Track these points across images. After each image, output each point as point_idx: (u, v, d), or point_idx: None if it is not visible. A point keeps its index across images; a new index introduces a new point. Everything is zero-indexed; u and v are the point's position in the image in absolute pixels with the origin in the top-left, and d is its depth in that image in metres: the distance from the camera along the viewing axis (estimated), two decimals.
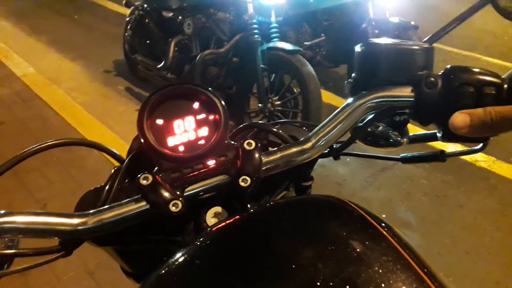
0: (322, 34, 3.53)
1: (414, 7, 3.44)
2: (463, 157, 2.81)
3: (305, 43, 3.39)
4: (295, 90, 2.70)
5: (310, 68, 2.53)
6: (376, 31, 3.17)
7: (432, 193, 2.53)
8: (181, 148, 0.53)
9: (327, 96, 3.41)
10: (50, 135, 2.96)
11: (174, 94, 0.54)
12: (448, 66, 0.52)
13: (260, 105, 2.70)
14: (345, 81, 0.58)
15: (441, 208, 2.42)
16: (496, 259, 2.08)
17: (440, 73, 0.52)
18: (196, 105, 0.55)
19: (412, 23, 3.11)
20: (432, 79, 0.51)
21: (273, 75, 2.74)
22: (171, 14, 3.13)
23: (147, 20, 3.35)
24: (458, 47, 4.46)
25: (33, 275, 1.87)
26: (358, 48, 0.56)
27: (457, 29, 0.63)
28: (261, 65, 2.60)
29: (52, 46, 4.62)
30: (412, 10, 3.54)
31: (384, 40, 0.55)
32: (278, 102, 2.73)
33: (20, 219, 0.46)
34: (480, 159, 2.80)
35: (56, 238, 0.49)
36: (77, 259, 1.96)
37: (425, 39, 0.60)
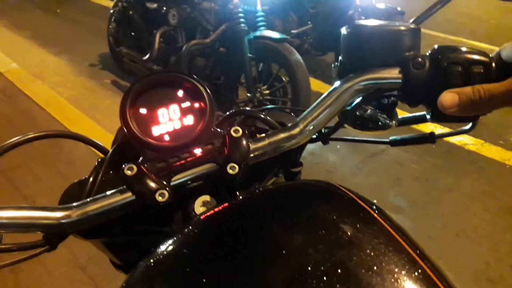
0: (309, 22, 3.51)
1: None
2: (452, 140, 2.83)
3: (292, 31, 3.37)
4: (283, 79, 2.68)
5: (298, 56, 2.52)
6: (363, 18, 3.16)
7: (422, 177, 2.55)
8: (166, 137, 0.52)
9: (316, 85, 3.40)
10: (36, 131, 2.91)
11: (157, 83, 0.53)
12: (436, 46, 0.52)
13: (248, 94, 2.68)
14: (332, 65, 0.57)
15: (431, 192, 2.44)
16: (485, 240, 2.11)
17: (427, 54, 0.52)
18: (180, 93, 0.53)
19: (399, 8, 3.11)
20: (420, 59, 0.51)
21: (261, 64, 2.73)
22: (155, 5, 3.08)
23: (131, 12, 3.30)
24: (444, 31, 4.47)
25: (24, 270, 1.86)
26: (344, 30, 0.55)
27: (442, 13, 0.63)
28: (249, 55, 2.58)
29: (35, 41, 4.53)
30: None
31: (370, 22, 0.54)
32: (267, 91, 2.71)
33: (2, 214, 0.44)
34: (469, 142, 2.83)
35: (39, 232, 0.48)
36: (69, 254, 1.95)
37: (411, 20, 0.59)
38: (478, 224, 2.21)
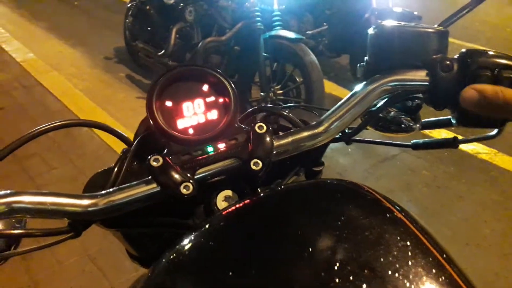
0: (325, 23, 3.50)
1: None
2: (465, 148, 2.80)
3: (307, 32, 3.36)
4: (297, 79, 2.68)
5: (313, 57, 2.51)
6: (379, 21, 3.14)
7: (433, 184, 2.53)
8: (191, 131, 0.52)
9: (329, 86, 3.40)
10: (50, 121, 2.91)
11: (183, 76, 0.53)
12: (464, 50, 0.51)
13: (262, 94, 2.68)
14: (357, 65, 0.57)
15: (442, 199, 2.42)
16: (495, 250, 2.08)
17: (455, 57, 0.51)
18: (205, 87, 0.54)
19: (416, 13, 3.09)
20: (448, 62, 0.50)
21: (275, 63, 2.72)
22: (172, 1, 3.10)
23: (148, 7, 3.32)
24: (461, 38, 4.43)
25: (34, 259, 1.88)
26: (371, 30, 0.55)
27: (460, 20, 0.62)
28: (263, 54, 2.58)
29: (52, 32, 4.58)
30: (416, 1, 3.52)
31: (397, 23, 0.54)
32: (280, 92, 2.71)
33: (30, 199, 0.45)
34: (482, 151, 2.80)
35: (65, 219, 0.49)
36: (79, 245, 1.97)
37: (439, 23, 0.58)
38: (488, 233, 2.19)
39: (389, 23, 0.54)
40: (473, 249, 2.09)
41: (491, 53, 0.49)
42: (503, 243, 2.13)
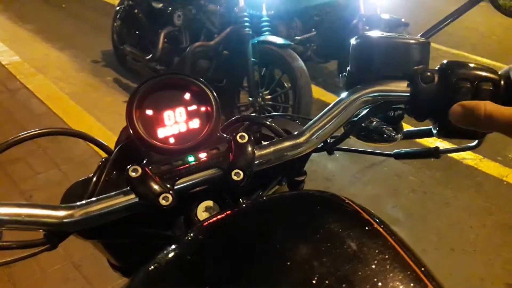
0: (313, 29, 3.52)
1: (404, 4, 3.46)
2: (451, 154, 2.83)
3: (296, 37, 3.38)
4: (285, 85, 2.69)
5: (301, 63, 2.52)
6: (367, 27, 3.17)
7: (420, 190, 2.55)
8: (172, 140, 0.52)
9: (317, 92, 3.41)
10: (36, 125, 2.90)
11: (165, 85, 0.53)
12: (445, 61, 0.51)
13: (250, 99, 2.68)
14: (340, 75, 0.57)
15: (428, 205, 2.44)
16: (481, 256, 2.10)
17: (436, 68, 0.52)
18: (187, 96, 0.53)
19: (403, 20, 3.12)
20: (429, 74, 0.51)
21: (264, 69, 2.73)
22: (161, 5, 3.09)
23: (136, 11, 3.30)
24: (446, 45, 4.49)
25: (17, 267, 1.84)
26: (353, 40, 0.55)
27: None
28: (252, 59, 2.59)
29: (38, 35, 4.53)
30: (403, 7, 3.55)
31: (379, 34, 0.54)
32: (269, 97, 2.72)
33: (3, 211, 0.44)
34: (468, 157, 2.83)
35: (41, 230, 0.48)
36: (63, 252, 1.94)
37: (421, 34, 0.59)
38: (473, 239, 2.21)
39: (372, 33, 0.54)
40: (458, 255, 2.10)
41: (471, 65, 0.50)
42: (488, 248, 2.15)
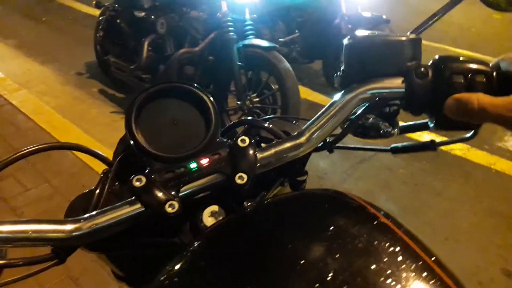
0: (296, 31, 3.55)
1: (384, 1, 3.51)
2: None
3: (280, 39, 3.40)
4: (273, 87, 2.70)
5: (287, 64, 2.54)
6: (349, 26, 3.21)
7: (411, 182, 2.59)
8: (172, 148, 0.52)
9: (304, 92, 3.43)
10: (23, 141, 2.87)
11: (162, 93, 0.53)
12: (437, 56, 0.53)
13: (238, 102, 2.69)
14: (334, 74, 0.58)
15: (420, 197, 2.48)
16: (474, 244, 2.14)
17: (429, 63, 0.53)
18: (185, 103, 0.54)
19: (384, 17, 3.16)
20: (423, 69, 0.52)
21: (250, 72, 2.74)
22: (143, 14, 3.08)
23: (118, 21, 3.29)
24: (427, 39, 4.54)
25: (14, 283, 1.81)
26: (346, 40, 0.56)
27: (419, 20, 0.64)
28: (238, 63, 2.59)
29: (20, 49, 4.48)
30: (383, 5, 3.60)
31: (371, 32, 0.55)
32: (257, 99, 2.73)
33: (9, 228, 0.44)
34: (455, 147, 2.88)
35: (48, 246, 0.48)
36: (61, 266, 1.91)
37: (410, 31, 0.60)
38: (466, 227, 2.25)
39: (363, 33, 0.55)
40: (452, 244, 2.13)
41: (463, 58, 0.51)
42: (481, 236, 2.19)
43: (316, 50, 3.51)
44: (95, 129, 3.04)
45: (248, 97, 2.70)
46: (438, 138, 0.64)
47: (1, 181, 2.44)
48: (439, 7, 0.63)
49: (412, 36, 0.54)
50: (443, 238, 2.17)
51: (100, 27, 3.48)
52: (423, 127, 0.59)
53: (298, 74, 2.61)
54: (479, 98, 0.45)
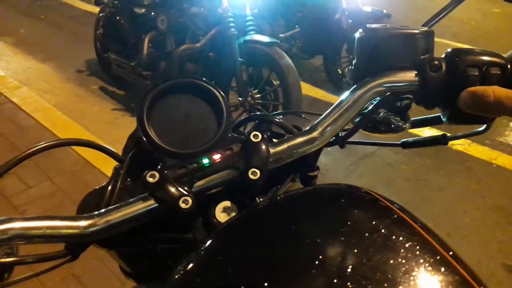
0: (297, 26, 3.54)
1: None
2: None
3: (280, 35, 3.40)
4: (274, 83, 2.69)
5: (288, 60, 2.53)
6: (350, 21, 3.20)
7: (413, 178, 2.59)
8: (184, 144, 0.52)
9: (305, 87, 3.42)
10: (25, 138, 2.86)
11: (173, 88, 0.53)
12: (450, 49, 0.53)
13: (240, 98, 2.69)
14: (346, 69, 0.58)
15: (422, 192, 2.48)
16: (476, 239, 2.14)
17: (443, 56, 0.53)
18: (196, 99, 0.53)
19: (385, 11, 3.15)
20: (436, 62, 0.51)
21: (251, 68, 2.73)
22: (143, 10, 3.07)
23: (118, 18, 3.27)
24: None
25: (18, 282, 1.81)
26: (358, 34, 0.56)
27: (425, 16, 0.64)
28: (239, 59, 2.59)
29: (19, 47, 4.46)
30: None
31: (383, 25, 0.55)
32: (258, 95, 2.72)
33: (24, 225, 0.44)
34: (456, 142, 2.88)
35: (62, 242, 0.47)
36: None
37: (423, 23, 0.60)
38: (468, 222, 2.25)
39: (376, 26, 0.54)
40: (455, 239, 2.14)
41: (477, 51, 0.51)
42: (483, 231, 2.19)
43: (317, 45, 3.51)
44: (96, 126, 3.04)
45: (250, 93, 2.70)
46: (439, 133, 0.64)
47: (3, 179, 2.43)
48: (438, 2, 0.62)
49: (425, 29, 0.54)
50: (445, 234, 2.17)
51: (100, 24, 3.47)
52: (435, 121, 0.59)
53: (299, 70, 2.61)
54: (495, 91, 0.45)
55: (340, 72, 3.31)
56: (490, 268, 1.99)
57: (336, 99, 0.55)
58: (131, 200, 0.49)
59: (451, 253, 0.38)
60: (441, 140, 0.61)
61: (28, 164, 2.53)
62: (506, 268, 1.98)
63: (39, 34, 4.88)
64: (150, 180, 0.48)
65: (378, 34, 0.54)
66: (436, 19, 0.60)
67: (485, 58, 0.50)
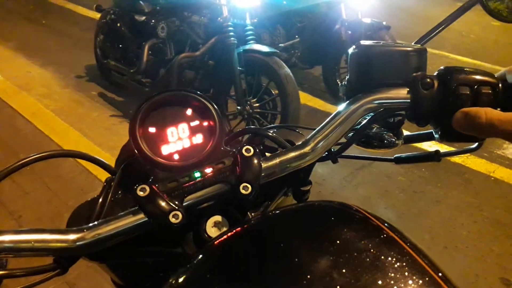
0: (296, 36, 3.55)
1: (385, 8, 3.52)
2: None
3: (280, 45, 3.40)
4: (273, 92, 2.70)
5: (287, 69, 2.54)
6: (349, 32, 3.21)
7: (410, 190, 2.58)
8: (176, 157, 0.52)
9: (304, 97, 3.43)
10: (22, 144, 2.86)
11: (166, 101, 0.53)
12: (443, 67, 0.53)
13: (238, 107, 2.69)
14: (339, 84, 0.58)
15: (418, 204, 2.47)
16: (473, 252, 2.13)
17: (435, 74, 0.53)
18: (189, 111, 0.53)
19: (384, 23, 3.17)
20: (428, 80, 0.52)
21: (250, 77, 2.74)
22: (143, 18, 3.08)
23: (119, 24, 3.29)
24: (427, 45, 4.56)
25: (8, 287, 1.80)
26: (351, 50, 0.56)
27: (425, 28, 0.64)
28: (238, 68, 2.60)
29: (20, 52, 4.47)
30: (384, 11, 3.61)
31: (376, 42, 0.55)
32: (257, 104, 2.72)
33: (12, 238, 0.43)
34: None
35: (51, 256, 0.47)
36: None
37: (416, 40, 0.60)
38: (465, 236, 2.24)
39: (369, 42, 0.55)
40: (451, 252, 2.13)
41: (469, 69, 0.51)
42: (480, 244, 2.18)
43: (316, 55, 3.52)
44: (94, 132, 3.03)
45: (248, 102, 2.70)
46: (436, 148, 0.64)
47: None
48: (438, 14, 0.62)
49: (418, 46, 0.54)
50: (442, 247, 2.16)
51: (100, 31, 3.48)
52: (428, 138, 0.59)
53: (298, 79, 2.62)
54: (487, 113, 0.45)
55: (339, 82, 3.33)
56: (487, 282, 1.97)
57: (335, 109, 0.55)
58: (121, 214, 0.49)
59: (440, 274, 0.37)
60: (434, 157, 0.61)
61: (24, 170, 2.50)
62: (504, 282, 1.97)
63: (40, 39, 4.89)
64: (141, 194, 0.48)
65: (371, 50, 0.54)
66: (431, 35, 0.60)
67: (477, 77, 0.50)
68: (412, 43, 0.58)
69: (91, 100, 3.54)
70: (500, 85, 0.50)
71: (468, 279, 1.97)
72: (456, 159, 2.84)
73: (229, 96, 2.86)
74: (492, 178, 2.69)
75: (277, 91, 2.62)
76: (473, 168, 2.77)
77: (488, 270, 2.03)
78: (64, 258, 0.48)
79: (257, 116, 2.73)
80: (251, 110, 2.70)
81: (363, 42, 0.55)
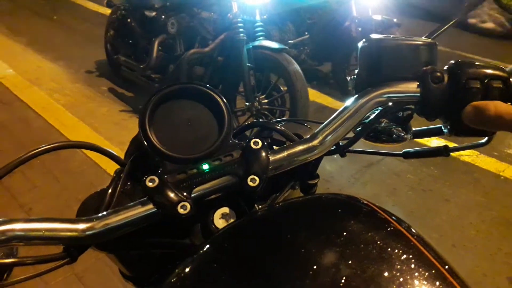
0: (306, 33, 3.54)
1: (395, 5, 3.49)
2: None
3: (289, 41, 3.40)
4: (282, 89, 2.70)
5: (296, 66, 2.53)
6: (359, 29, 3.20)
7: (418, 188, 2.57)
8: (185, 149, 0.52)
9: (312, 94, 3.42)
10: (32, 137, 2.89)
11: (176, 94, 0.53)
12: (453, 61, 0.52)
13: (247, 104, 2.69)
14: (348, 78, 0.58)
15: (427, 202, 2.46)
16: (482, 251, 2.12)
17: (445, 68, 0.52)
18: (198, 104, 0.54)
19: (395, 20, 3.15)
20: (438, 74, 0.51)
21: (259, 73, 2.74)
22: (154, 14, 3.09)
23: (129, 20, 3.31)
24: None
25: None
26: (361, 44, 0.56)
27: (434, 25, 0.64)
28: (247, 64, 2.60)
29: (31, 47, 4.51)
30: (394, 8, 3.59)
31: (386, 36, 0.55)
32: (265, 101, 2.72)
33: (23, 226, 0.44)
34: (464, 153, 2.85)
35: (61, 245, 0.48)
36: None
37: (426, 34, 0.60)
38: (474, 235, 2.22)
39: (379, 36, 0.54)
40: (459, 251, 2.11)
41: (479, 63, 0.50)
42: (489, 244, 2.16)
43: (326, 52, 3.51)
44: (104, 127, 3.06)
45: (257, 99, 2.70)
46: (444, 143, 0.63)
47: (9, 178, 2.44)
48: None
49: (428, 40, 0.54)
50: (450, 245, 2.15)
51: (110, 26, 3.50)
52: (437, 132, 0.59)
53: (307, 76, 2.61)
54: (497, 106, 0.44)
55: (348, 79, 3.30)
56: (495, 281, 1.96)
57: None
58: (130, 204, 0.49)
59: (446, 267, 0.37)
60: (442, 151, 0.61)
61: (34, 163, 2.55)
62: None
63: (51, 34, 4.93)
64: (150, 184, 0.48)
65: (381, 44, 0.54)
66: (440, 31, 0.60)
67: (487, 71, 0.49)
68: (423, 37, 0.57)
69: (101, 95, 3.57)
70: (510, 79, 0.49)
71: (476, 278, 1.96)
72: (466, 158, 2.82)
73: (237, 92, 2.87)
74: (502, 177, 2.67)
75: (286, 88, 2.61)
76: (482, 167, 2.75)
77: (496, 270, 2.01)
78: (73, 247, 0.49)
79: (266, 112, 2.73)
80: (259, 107, 2.70)
81: (373, 35, 0.55)
